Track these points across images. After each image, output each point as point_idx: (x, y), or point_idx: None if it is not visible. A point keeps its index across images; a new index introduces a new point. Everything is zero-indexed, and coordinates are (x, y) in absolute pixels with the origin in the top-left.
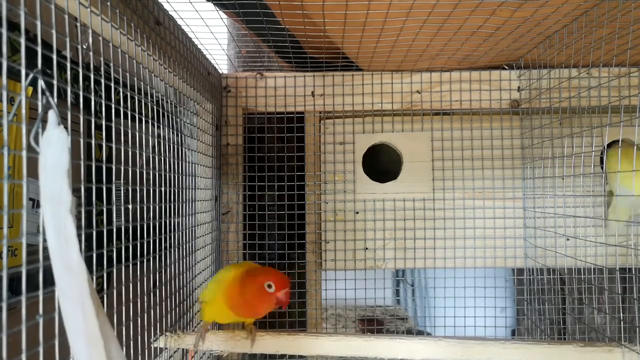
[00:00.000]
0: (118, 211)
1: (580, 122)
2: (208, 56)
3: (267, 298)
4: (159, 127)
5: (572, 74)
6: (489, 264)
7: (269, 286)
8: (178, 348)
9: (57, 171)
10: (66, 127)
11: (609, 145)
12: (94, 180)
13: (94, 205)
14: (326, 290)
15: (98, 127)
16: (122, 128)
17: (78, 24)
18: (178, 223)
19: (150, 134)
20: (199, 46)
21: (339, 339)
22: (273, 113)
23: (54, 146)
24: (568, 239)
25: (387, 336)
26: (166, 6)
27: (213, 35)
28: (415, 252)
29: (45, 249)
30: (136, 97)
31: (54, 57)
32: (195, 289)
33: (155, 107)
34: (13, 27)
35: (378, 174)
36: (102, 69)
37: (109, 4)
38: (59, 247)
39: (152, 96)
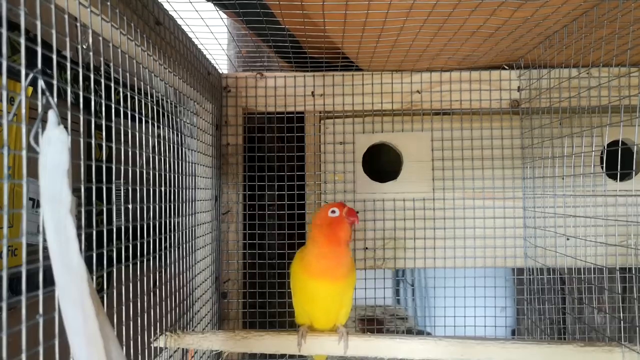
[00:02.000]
0: (118, 211)
1: (580, 122)
2: (208, 56)
3: (338, 221)
4: (159, 127)
5: (572, 74)
6: (489, 264)
7: (333, 212)
8: (178, 348)
9: (57, 171)
10: (66, 127)
11: None
12: (94, 180)
13: (94, 205)
14: None
15: (98, 127)
16: (122, 128)
17: (78, 24)
18: (178, 223)
19: (150, 134)
20: (199, 46)
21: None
22: (273, 113)
23: (54, 146)
24: (568, 239)
25: (387, 336)
26: (166, 6)
27: (213, 35)
28: (415, 252)
29: (45, 249)
30: (136, 97)
31: (54, 57)
32: (195, 288)
33: (155, 107)
34: (13, 27)
35: (378, 174)
36: (102, 69)
37: (109, 4)
38: (59, 247)
39: (152, 96)
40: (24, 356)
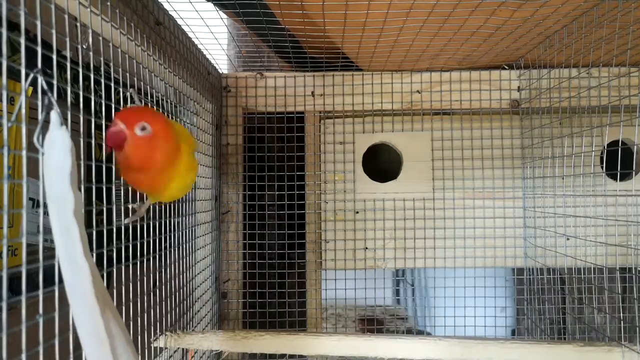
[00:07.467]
0: (118, 211)
1: (580, 122)
2: (208, 56)
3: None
4: None
5: (572, 74)
6: (489, 264)
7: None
8: (178, 348)
9: (61, 173)
10: (67, 128)
11: None
12: (94, 180)
13: (94, 205)
14: (326, 290)
15: (98, 127)
16: None
17: (78, 24)
18: (178, 223)
19: None
20: (199, 46)
21: (339, 339)
22: (273, 113)
23: (58, 148)
24: (568, 239)
25: (387, 336)
26: (166, 6)
27: (213, 35)
28: (415, 252)
29: (46, 249)
30: (136, 97)
31: (54, 57)
32: (195, 288)
33: (155, 106)
34: (13, 27)
35: (378, 174)
36: (102, 68)
37: (109, 4)
38: (66, 248)
39: (152, 96)
40: (24, 356)
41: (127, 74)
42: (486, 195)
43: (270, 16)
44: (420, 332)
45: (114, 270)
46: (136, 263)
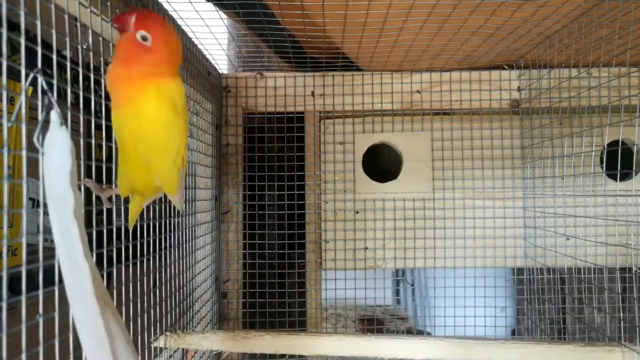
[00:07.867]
0: (118, 211)
1: (580, 122)
2: (208, 56)
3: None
4: None
5: (572, 74)
6: (489, 264)
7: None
8: (178, 348)
9: (61, 173)
10: (67, 128)
11: None
12: (94, 180)
13: (94, 205)
14: (326, 290)
15: (98, 127)
16: None
17: (78, 24)
18: (178, 223)
19: None
20: (199, 46)
21: (339, 339)
22: (273, 113)
23: (58, 148)
24: (568, 239)
25: (387, 336)
26: (166, 6)
27: (213, 35)
28: (415, 252)
29: (45, 249)
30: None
31: (54, 57)
32: (195, 288)
33: None
34: (13, 27)
35: (378, 174)
36: (102, 68)
37: (109, 4)
38: (66, 248)
39: None
40: (24, 356)
41: None
42: (486, 195)
43: (270, 16)
44: (420, 332)
45: (114, 270)
46: (136, 263)
